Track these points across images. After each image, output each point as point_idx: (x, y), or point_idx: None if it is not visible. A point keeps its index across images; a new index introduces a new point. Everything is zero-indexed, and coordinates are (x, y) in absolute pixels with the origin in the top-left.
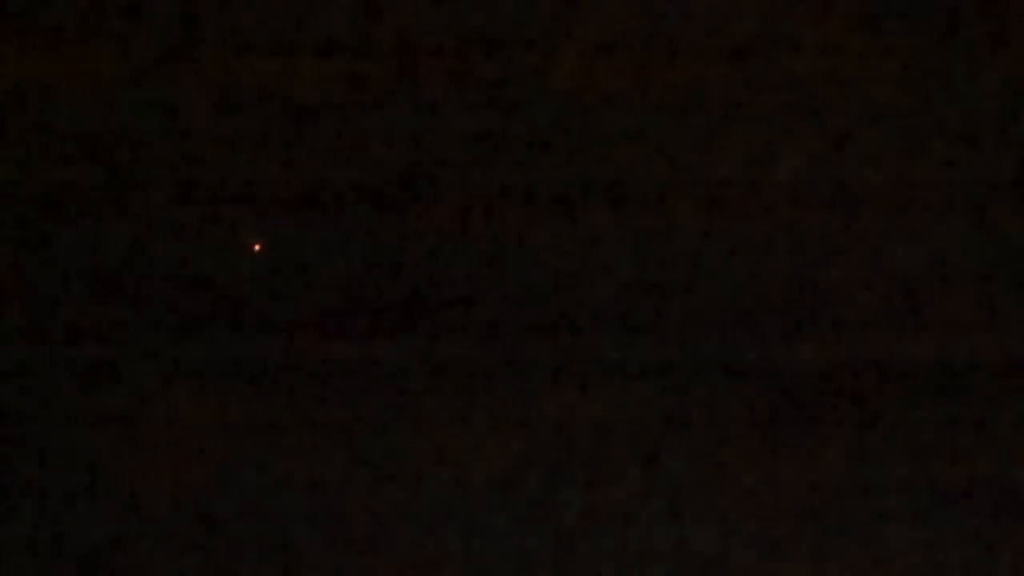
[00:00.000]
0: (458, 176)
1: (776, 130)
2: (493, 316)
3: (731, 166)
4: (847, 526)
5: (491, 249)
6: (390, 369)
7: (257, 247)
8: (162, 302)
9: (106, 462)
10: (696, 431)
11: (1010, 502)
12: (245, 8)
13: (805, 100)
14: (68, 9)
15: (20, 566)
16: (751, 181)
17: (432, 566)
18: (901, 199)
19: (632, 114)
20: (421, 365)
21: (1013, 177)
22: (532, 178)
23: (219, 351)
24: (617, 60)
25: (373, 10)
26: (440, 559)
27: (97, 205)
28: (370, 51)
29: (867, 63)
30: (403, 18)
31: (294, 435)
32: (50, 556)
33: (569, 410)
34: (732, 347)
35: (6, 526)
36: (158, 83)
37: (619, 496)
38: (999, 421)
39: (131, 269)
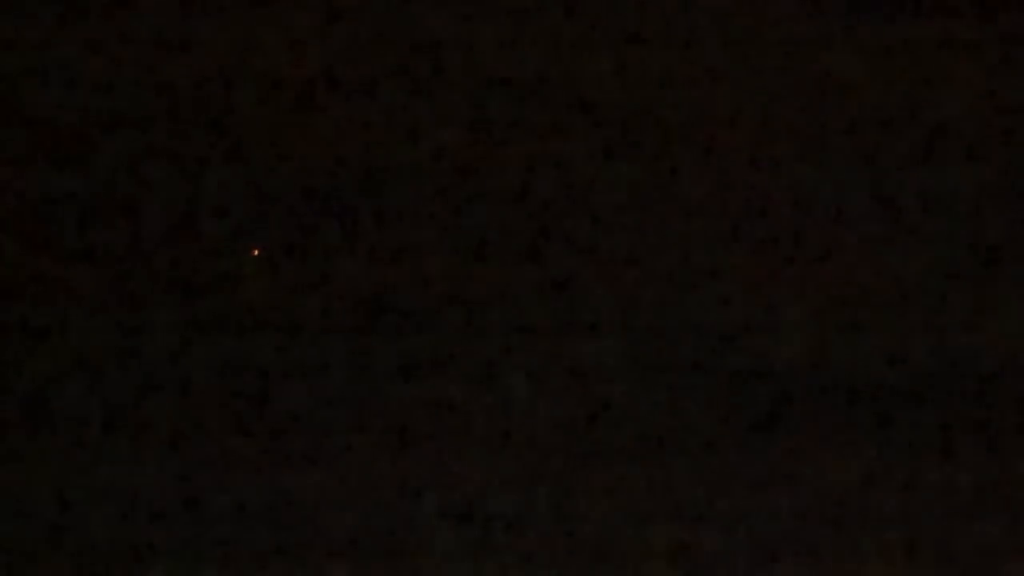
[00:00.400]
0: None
1: (775, 130)
2: (489, 314)
3: (729, 167)
4: (845, 526)
5: (489, 249)
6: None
7: (256, 252)
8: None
9: (104, 461)
10: (694, 430)
11: (1011, 502)
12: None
13: (803, 100)
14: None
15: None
16: (751, 182)
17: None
18: (898, 199)
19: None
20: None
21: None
22: (531, 176)
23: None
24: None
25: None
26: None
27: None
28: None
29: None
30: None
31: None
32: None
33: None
34: (728, 346)
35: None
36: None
37: (619, 495)
38: (998, 422)
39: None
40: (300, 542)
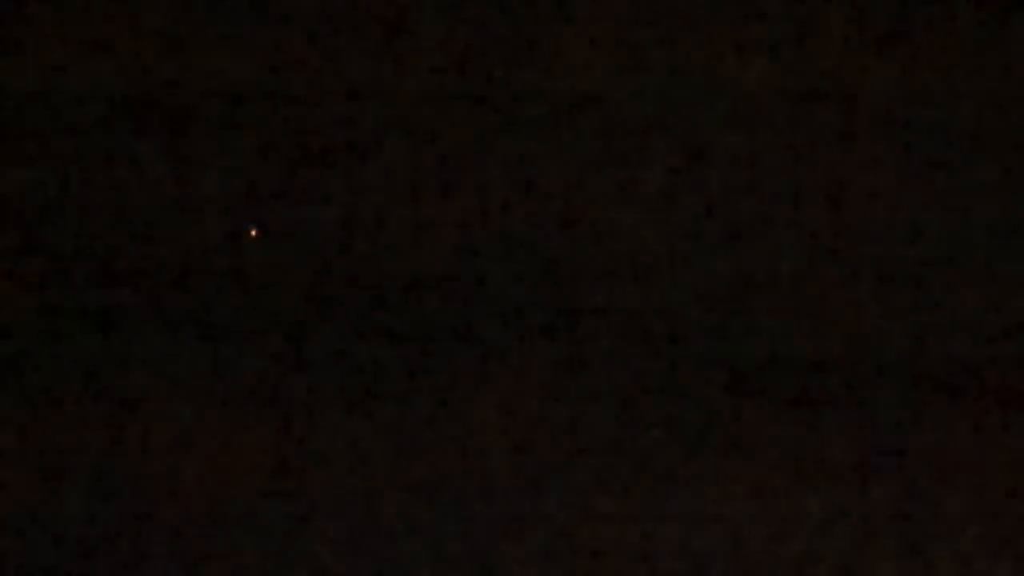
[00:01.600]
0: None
1: (771, 129)
2: (481, 310)
3: (727, 167)
4: (838, 524)
5: (480, 239)
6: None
7: (253, 233)
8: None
9: (103, 452)
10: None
11: (993, 500)
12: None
13: (800, 100)
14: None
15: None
16: (749, 181)
17: None
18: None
19: (628, 113)
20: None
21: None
22: (531, 170)
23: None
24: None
25: None
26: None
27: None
28: None
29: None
30: None
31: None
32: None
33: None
34: (724, 343)
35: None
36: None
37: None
38: (982, 418)
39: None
40: None
